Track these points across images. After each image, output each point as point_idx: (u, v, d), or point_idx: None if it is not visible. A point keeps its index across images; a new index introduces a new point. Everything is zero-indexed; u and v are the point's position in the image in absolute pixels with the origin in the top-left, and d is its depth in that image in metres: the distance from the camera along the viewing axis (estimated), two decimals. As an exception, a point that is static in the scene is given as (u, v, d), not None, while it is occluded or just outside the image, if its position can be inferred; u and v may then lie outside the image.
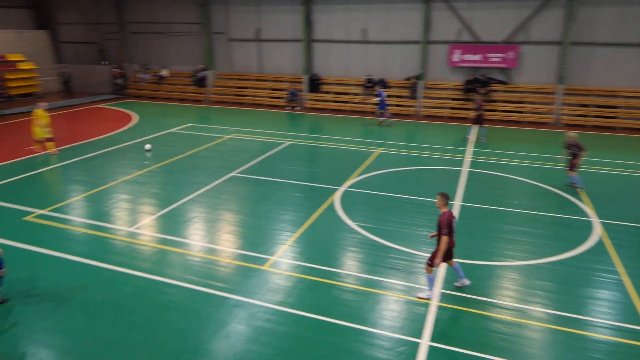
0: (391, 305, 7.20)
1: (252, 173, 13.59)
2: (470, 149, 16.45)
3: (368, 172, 13.67)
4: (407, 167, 14.39)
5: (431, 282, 7.38)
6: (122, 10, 28.52)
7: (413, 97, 23.16)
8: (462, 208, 11.06)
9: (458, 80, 22.65)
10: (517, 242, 9.43)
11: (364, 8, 23.27)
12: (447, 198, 7.17)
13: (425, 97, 23.02)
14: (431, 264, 7.21)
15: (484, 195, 11.96)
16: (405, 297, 7.43)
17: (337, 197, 11.63)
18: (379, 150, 16.13)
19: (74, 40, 31.64)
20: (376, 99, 20.68)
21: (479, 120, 17.39)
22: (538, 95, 21.35)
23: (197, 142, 17.12)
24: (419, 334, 6.54)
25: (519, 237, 9.62)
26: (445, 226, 6.94)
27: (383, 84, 23.72)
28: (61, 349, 6.16)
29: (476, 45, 21.66)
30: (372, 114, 23.20)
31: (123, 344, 6.26)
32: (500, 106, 21.69)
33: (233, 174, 13.50)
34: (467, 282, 7.68)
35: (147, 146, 15.02)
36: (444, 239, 6.96)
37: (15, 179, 12.89)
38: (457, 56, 21.99)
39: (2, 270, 7.11)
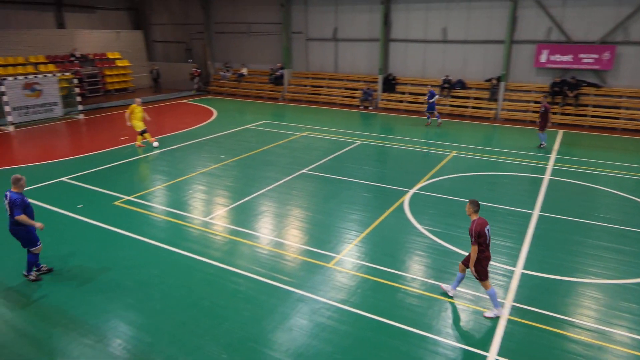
0: (458, 314, 6.95)
1: (322, 171, 13.74)
2: (553, 155, 15.40)
3: (440, 175, 13.28)
4: (482, 172, 13.79)
5: (494, 298, 6.87)
6: (208, 11, 30.05)
7: (493, 99, 22.12)
8: (541, 218, 10.39)
9: (544, 82, 21.28)
10: (602, 258, 8.68)
11: (445, 6, 22.60)
12: (476, 205, 6.81)
13: (506, 100, 21.89)
14: (479, 277, 6.80)
15: (566, 205, 11.15)
16: (472, 306, 7.14)
17: (406, 199, 11.43)
18: (453, 153, 15.61)
19: (164, 39, 33.92)
20: (430, 100, 19.94)
21: (543, 125, 16.19)
22: (636, 101, 19.47)
23: (270, 139, 17.64)
24: (486, 347, 6.25)
25: (604, 254, 8.85)
26: (474, 235, 6.62)
27: (461, 85, 22.92)
28: (139, 325, 6.64)
29: (567, 45, 20.20)
30: (449, 115, 22.50)
31: (193, 326, 6.62)
32: (591, 111, 20.08)
33: (303, 171, 13.74)
34: (451, 292, 7.32)
35: (155, 144, 16.16)
36: (473, 248, 6.65)
37: (109, 167, 14.09)
38: (544, 57, 20.65)
39: (38, 247, 7.70)
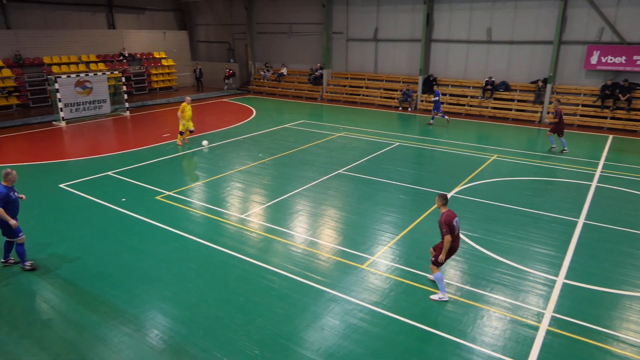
0: (494, 322, 6.75)
1: (359, 172, 13.68)
2: (601, 161, 14.70)
3: (480, 179, 12.94)
4: (524, 177, 13.34)
5: (440, 282, 7.26)
6: (251, 11, 30.55)
7: (538, 102, 21.36)
8: (586, 227, 9.94)
9: (594, 85, 20.36)
10: (653, 271, 8.21)
11: (490, 6, 22.01)
12: (444, 199, 7.24)
13: (553, 103, 21.05)
14: (435, 261, 7.23)
15: (614, 214, 10.61)
16: (510, 315, 6.92)
17: (443, 203, 11.20)
18: (494, 157, 15.18)
19: (207, 39, 34.77)
20: (434, 98, 20.25)
21: (558, 130, 15.42)
22: (696, 105, 18.30)
23: (308, 138, 17.73)
24: (523, 358, 6.04)
25: (656, 267, 8.36)
26: (444, 226, 6.97)
27: (505, 87, 22.26)
28: (175, 317, 6.84)
29: (620, 46, 19.24)
30: (491, 118, 21.94)
31: (227, 321, 6.75)
32: (645, 115, 19.05)
33: (340, 171, 13.73)
34: (445, 297, 7.34)
35: (204, 142, 16.16)
36: (446, 238, 6.99)
37: (152, 162, 14.58)
38: (595, 58, 19.75)
39: (20, 237, 7.99)
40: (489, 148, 16.40)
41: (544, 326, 6.66)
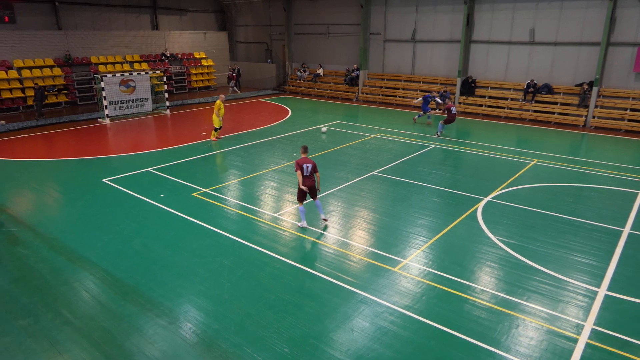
0: (530, 332, 6.54)
1: (393, 173, 13.56)
2: (652, 169, 13.97)
3: (519, 184, 12.57)
4: (566, 183, 12.86)
5: (302, 214, 9.94)
6: (289, 12, 30.83)
7: (583, 105, 20.53)
8: (632, 237, 9.48)
9: (644, 88, 19.39)
10: None
11: (534, 6, 21.34)
12: (304, 149, 9.91)
13: (599, 106, 20.22)
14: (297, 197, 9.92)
15: (664, 225, 10.07)
16: (547, 325, 6.68)
17: (480, 208, 10.96)
18: (534, 161, 14.70)
19: (246, 40, 35.33)
20: (418, 100, 21.09)
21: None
22: None
23: (342, 139, 17.72)
24: (559, 371, 5.82)
25: None
26: (295, 165, 9.65)
27: (548, 89, 21.52)
28: (208, 312, 6.99)
29: (674, 47, 18.23)
30: (532, 121, 21.28)
31: (258, 318, 6.84)
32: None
33: (374, 172, 13.65)
34: (322, 216, 10.12)
35: (324, 129, 15.67)
36: (297, 173, 9.62)
37: (189, 160, 14.96)
38: (646, 60, 18.80)
39: None
40: (529, 152, 15.89)
41: (583, 339, 6.40)
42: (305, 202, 10.00)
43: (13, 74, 23.12)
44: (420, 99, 20.97)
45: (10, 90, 23.07)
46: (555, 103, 21.37)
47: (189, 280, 7.85)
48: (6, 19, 23.42)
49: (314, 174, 9.81)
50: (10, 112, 23.01)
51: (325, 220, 10.12)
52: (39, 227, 9.92)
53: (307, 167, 9.67)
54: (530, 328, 6.64)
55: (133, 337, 6.40)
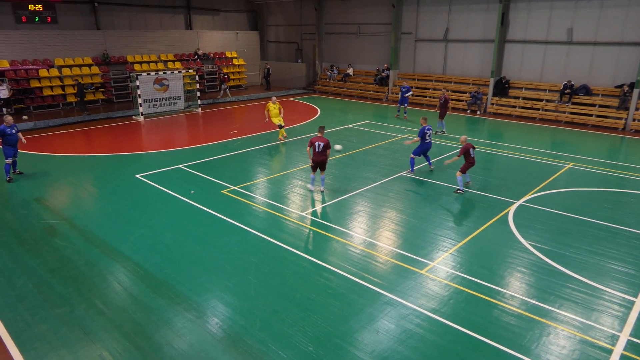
0: (561, 341, 6.34)
1: (422, 175, 13.39)
2: (697, 175, 13.31)
3: (553, 188, 12.20)
4: (603, 188, 12.40)
5: (312, 180, 11.76)
6: (321, 12, 30.88)
7: (623, 107, 19.75)
8: (675, 246, 9.05)
9: (690, 90, 18.48)
10: None
11: (573, 4, 20.66)
12: (320, 129, 11.58)
13: (639, 109, 19.41)
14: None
15: None
16: (580, 334, 6.46)
17: (511, 211, 10.70)
18: (569, 165, 14.24)
19: (277, 39, 35.61)
20: (405, 94, 21.57)
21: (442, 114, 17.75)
22: None
23: (371, 139, 17.63)
24: (592, 382, 5.62)
25: None
26: (309, 143, 11.36)
27: (586, 91, 20.81)
28: (234, 308, 7.09)
29: None
30: (568, 124, 20.63)
31: (283, 316, 6.88)
32: None
33: (402, 173, 13.52)
34: (322, 189, 11.88)
35: (338, 147, 13.58)
36: (307, 150, 11.42)
37: (220, 157, 15.20)
38: (692, 61, 17.91)
39: (8, 160, 12.45)
40: (565, 155, 15.40)
41: (618, 350, 6.15)
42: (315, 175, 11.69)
43: (54, 72, 24.05)
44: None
45: (52, 87, 23.99)
46: (594, 105, 20.63)
47: (216, 275, 7.98)
48: (49, 19, 24.38)
49: (326, 150, 11.26)
50: (51, 109, 23.95)
51: (322, 191, 11.85)
52: (76, 220, 10.28)
53: (320, 144, 11.22)
54: (562, 337, 6.44)
55: (162, 330, 6.55)
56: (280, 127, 17.38)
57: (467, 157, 11.80)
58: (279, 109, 17.22)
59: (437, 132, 18.54)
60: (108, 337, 6.42)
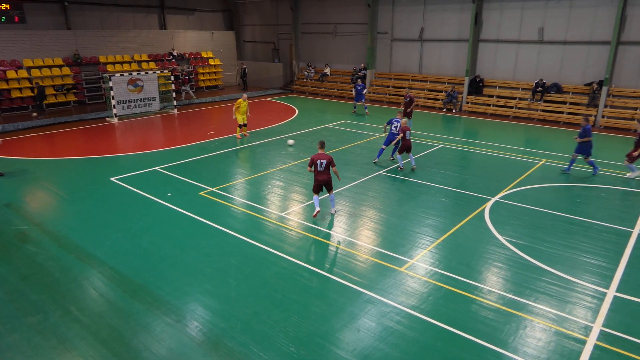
0: (537, 334, 6.50)
1: (400, 173, 13.52)
2: (662, 169, 13.82)
3: (527, 184, 12.49)
4: (575, 183, 12.75)
5: (315, 201, 10.28)
6: (297, 12, 30.84)
7: (592, 105, 20.36)
8: (643, 238, 9.38)
9: (655, 87, 19.17)
10: None
11: (543, 5, 21.19)
12: (321, 144, 10.25)
13: (608, 106, 20.04)
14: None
15: (675, 226, 9.95)
16: (555, 327, 6.63)
17: (487, 208, 10.90)
18: (542, 161, 14.60)
19: (253, 39, 35.40)
20: (361, 92, 22.77)
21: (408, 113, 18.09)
22: None
23: (349, 139, 17.70)
24: (567, 372, 5.78)
25: None
26: (310, 160, 10.03)
27: (557, 89, 21.36)
28: (214, 311, 7.02)
29: (686, 46, 18.01)
30: (540, 121, 21.14)
31: (264, 317, 6.85)
32: None
33: (381, 172, 13.63)
34: (332, 211, 10.52)
35: (290, 141, 16.34)
36: (308, 169, 10.18)
37: (196, 159, 15.02)
38: (657, 59, 18.58)
39: None
40: (538, 152, 15.79)
41: (591, 340, 6.34)
42: (321, 194, 10.68)
43: (23, 73, 23.34)
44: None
45: (20, 89, 23.29)
46: (565, 103, 21.20)
47: (196, 278, 7.88)
48: (16, 18, 23.65)
49: (330, 169, 10.15)
50: (19, 111, 23.23)
51: (332, 213, 10.50)
52: (49, 225, 10.01)
53: (322, 162, 10.00)
54: (538, 329, 6.59)
55: (140, 335, 6.44)
56: (244, 125, 17.67)
57: (403, 139, 13.55)
58: (247, 107, 17.54)
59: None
60: (84, 344, 6.27)
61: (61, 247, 9.00)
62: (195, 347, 6.21)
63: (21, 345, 6.25)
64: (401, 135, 13.55)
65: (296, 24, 31.12)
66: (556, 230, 9.74)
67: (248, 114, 17.70)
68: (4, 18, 23.21)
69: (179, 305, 7.12)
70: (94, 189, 12.23)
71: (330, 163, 10.07)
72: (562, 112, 21.12)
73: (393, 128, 14.11)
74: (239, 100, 17.46)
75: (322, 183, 10.17)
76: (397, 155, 13.77)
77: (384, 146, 14.40)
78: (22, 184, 12.78)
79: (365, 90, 22.99)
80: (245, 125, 17.78)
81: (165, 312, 6.96)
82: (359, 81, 25.04)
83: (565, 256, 8.66)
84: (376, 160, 14.51)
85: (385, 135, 14.81)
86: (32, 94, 23.13)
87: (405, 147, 13.58)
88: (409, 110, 18.61)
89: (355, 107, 23.46)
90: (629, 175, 13.16)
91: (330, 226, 10.02)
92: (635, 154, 12.89)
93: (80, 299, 7.33)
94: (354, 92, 23.44)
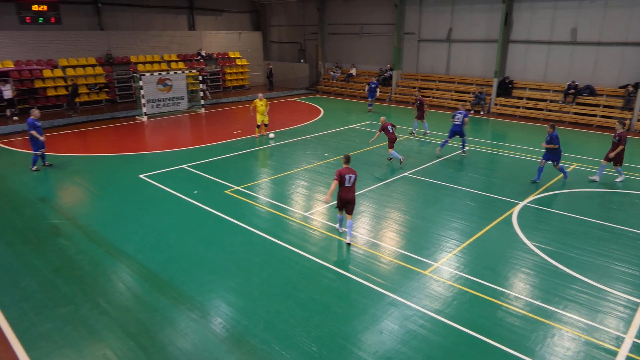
0: (566, 343, 6.32)
1: (425, 175, 13.38)
2: (702, 176, 13.24)
3: (557, 189, 12.17)
4: (609, 189, 12.35)
5: (339, 221, 9.53)
6: (323, 12, 30.88)
7: (627, 108, 19.68)
8: (680, 247, 9.01)
9: (695, 90, 18.38)
10: None
11: (576, 5, 20.60)
12: (346, 159, 9.08)
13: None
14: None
15: None
16: (585, 336, 6.44)
17: (515, 212, 10.67)
18: (574, 165, 14.20)
19: (279, 40, 35.63)
20: (368, 87, 23.93)
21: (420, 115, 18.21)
22: None
23: (375, 140, 17.57)
24: (597, 383, 5.60)
25: None
26: (336, 174, 8.83)
27: (590, 91, 20.74)
28: (238, 308, 7.09)
29: None
30: (572, 124, 20.57)
31: (287, 316, 6.88)
32: None
33: (405, 174, 13.51)
34: (348, 240, 9.12)
35: (271, 135, 17.60)
36: (334, 182, 8.79)
37: (223, 157, 15.22)
38: (697, 61, 17.82)
39: (39, 152, 13.47)
40: (569, 156, 15.34)
41: (623, 352, 6.13)
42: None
43: (58, 72, 24.12)
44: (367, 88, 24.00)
45: (55, 88, 24.07)
46: (598, 105, 20.57)
47: (220, 275, 7.98)
48: (52, 20, 24.45)
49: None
50: (54, 109, 24.02)
51: (347, 243, 9.10)
52: (80, 220, 10.32)
53: (350, 177, 8.86)
54: (566, 338, 6.41)
55: (166, 329, 6.56)
56: (264, 125, 17.78)
57: (387, 133, 14.28)
58: (266, 106, 17.57)
59: (412, 133, 18.59)
60: (112, 336, 6.43)
61: (91, 241, 9.26)
62: (218, 343, 6.29)
63: (53, 334, 6.46)
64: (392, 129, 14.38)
65: (322, 24, 31.16)
66: (588, 237, 9.46)
67: (266, 113, 17.63)
68: (41, 19, 24.04)
69: (203, 302, 7.22)
70: (123, 186, 12.54)
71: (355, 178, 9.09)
72: (595, 115, 20.49)
73: (455, 119, 14.94)
74: (255, 100, 17.65)
75: (347, 201, 8.97)
76: (391, 151, 14.39)
77: (448, 138, 15.40)
78: (56, 179, 13.21)
79: (377, 89, 23.92)
80: (265, 125, 17.85)
81: (190, 307, 7.07)
82: (373, 79, 25.26)
83: (597, 264, 8.40)
84: (439, 151, 15.51)
85: (373, 141, 15.59)
86: (67, 92, 23.89)
87: (392, 140, 14.34)
88: (421, 112, 18.40)
89: (370, 105, 23.96)
90: (615, 179, 12.85)
91: (354, 227, 9.97)
92: (611, 155, 12.46)
93: (109, 292, 7.53)
94: (367, 90, 24.35)
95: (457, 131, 15.06)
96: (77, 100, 23.28)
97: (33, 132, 13.45)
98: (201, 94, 26.43)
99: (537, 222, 10.18)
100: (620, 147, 12.28)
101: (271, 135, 17.49)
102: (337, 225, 9.73)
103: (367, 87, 24.68)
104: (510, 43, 23.08)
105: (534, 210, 10.84)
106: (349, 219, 9.02)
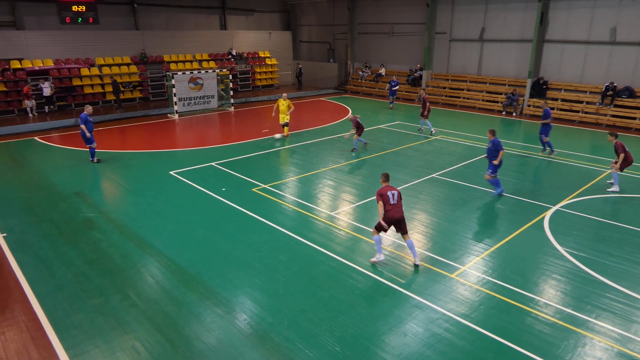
0: (597, 353, 6.11)
1: (454, 177, 13.17)
2: None
3: (592, 194, 11.76)
4: (647, 194, 11.86)
5: (377, 244, 8.33)
6: (353, 12, 30.80)
7: (670, 110, 18.82)
8: None
9: None
10: None
11: (616, 4, 19.85)
12: (385, 177, 8.51)
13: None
14: (377, 225, 8.17)
15: None
16: (618, 347, 6.20)
17: (547, 216, 10.37)
18: (610, 170, 13.66)
19: (309, 39, 35.73)
20: (393, 87, 24.43)
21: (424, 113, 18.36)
22: None
23: (402, 140, 17.45)
24: (630, 397, 5.39)
25: None
26: (377, 196, 8.11)
27: (629, 93, 19.96)
28: (263, 305, 7.16)
29: None
30: (611, 127, 19.84)
31: (311, 314, 6.90)
32: None
33: (434, 175, 13.33)
34: (417, 261, 8.27)
35: (277, 136, 17.66)
36: (379, 204, 8.07)
37: (251, 156, 15.38)
38: None
39: (92, 145, 14.25)
40: (605, 160, 14.81)
41: (659, 364, 5.88)
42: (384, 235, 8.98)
43: (95, 71, 24.91)
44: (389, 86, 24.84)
45: (92, 86, 24.87)
46: (638, 108, 19.76)
47: (246, 272, 8.08)
48: (91, 20, 25.26)
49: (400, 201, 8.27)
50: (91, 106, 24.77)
51: (417, 264, 8.26)
52: (112, 214, 10.63)
53: (393, 194, 8.13)
54: (598, 348, 6.20)
55: (192, 324, 6.69)
56: (285, 125, 17.73)
57: (359, 126, 15.60)
58: (289, 106, 17.53)
59: (420, 129, 19.15)
60: (140, 328, 6.60)
61: (122, 235, 9.53)
62: (243, 339, 6.36)
63: (85, 324, 6.68)
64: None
65: (352, 24, 31.08)
66: (623, 244, 9.11)
67: (288, 113, 17.56)
68: (80, 19, 24.87)
69: (229, 298, 7.32)
70: (153, 182, 12.84)
71: (400, 195, 8.34)
72: (634, 118, 19.70)
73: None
74: (279, 100, 17.74)
75: (396, 220, 8.13)
76: (355, 140, 15.79)
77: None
78: (90, 174, 13.65)
79: (397, 87, 24.67)
80: (285, 124, 17.70)
81: (216, 303, 7.18)
82: (394, 77, 25.45)
83: (633, 272, 8.08)
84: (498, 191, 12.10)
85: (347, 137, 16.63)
86: (102, 90, 24.64)
87: (361, 130, 15.71)
88: (425, 112, 18.36)
89: (392, 103, 24.56)
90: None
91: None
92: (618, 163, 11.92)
93: (139, 285, 7.73)
94: (388, 88, 25.10)
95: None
96: (120, 97, 24.08)
97: (82, 127, 14.03)
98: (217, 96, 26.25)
99: (570, 227, 9.87)
100: (622, 156, 11.81)
101: (277, 135, 17.62)
102: (375, 257, 8.37)
103: (387, 86, 25.25)
104: (546, 43, 22.44)
105: (567, 215, 10.51)
106: (407, 239, 8.27)
